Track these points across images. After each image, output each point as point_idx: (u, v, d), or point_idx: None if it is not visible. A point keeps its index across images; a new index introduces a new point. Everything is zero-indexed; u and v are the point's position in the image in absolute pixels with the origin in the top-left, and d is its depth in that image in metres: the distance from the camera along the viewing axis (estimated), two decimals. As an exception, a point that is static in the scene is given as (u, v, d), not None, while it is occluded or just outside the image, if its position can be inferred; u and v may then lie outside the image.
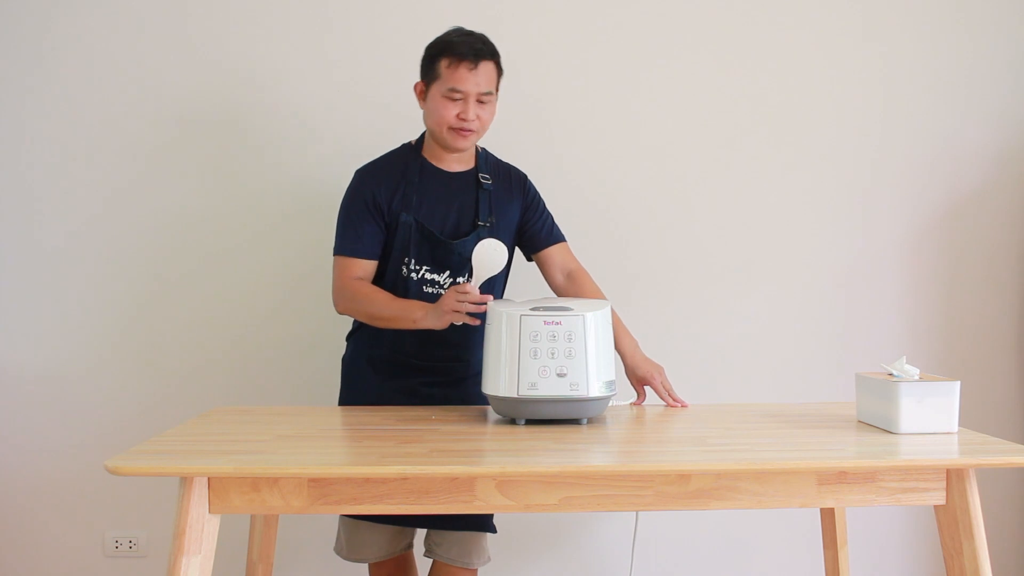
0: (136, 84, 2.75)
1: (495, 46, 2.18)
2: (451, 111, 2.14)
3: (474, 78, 2.12)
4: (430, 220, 2.20)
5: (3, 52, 2.72)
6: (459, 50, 2.12)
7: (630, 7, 2.82)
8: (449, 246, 2.19)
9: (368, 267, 2.21)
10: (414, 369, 2.23)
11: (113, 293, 2.77)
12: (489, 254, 2.05)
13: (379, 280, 2.22)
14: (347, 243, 2.21)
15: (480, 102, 2.14)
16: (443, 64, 2.13)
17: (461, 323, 2.04)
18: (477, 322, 2.03)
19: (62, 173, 2.75)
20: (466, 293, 2.00)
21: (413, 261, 2.19)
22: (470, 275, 2.11)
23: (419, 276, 2.20)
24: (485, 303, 2.00)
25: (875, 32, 2.87)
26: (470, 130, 2.15)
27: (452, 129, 2.15)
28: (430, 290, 2.20)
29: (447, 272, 2.21)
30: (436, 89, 2.15)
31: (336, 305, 2.21)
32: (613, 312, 2.22)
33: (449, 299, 2.02)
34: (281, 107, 2.77)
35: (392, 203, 2.19)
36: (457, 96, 2.13)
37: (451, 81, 2.12)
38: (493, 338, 1.98)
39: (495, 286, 2.26)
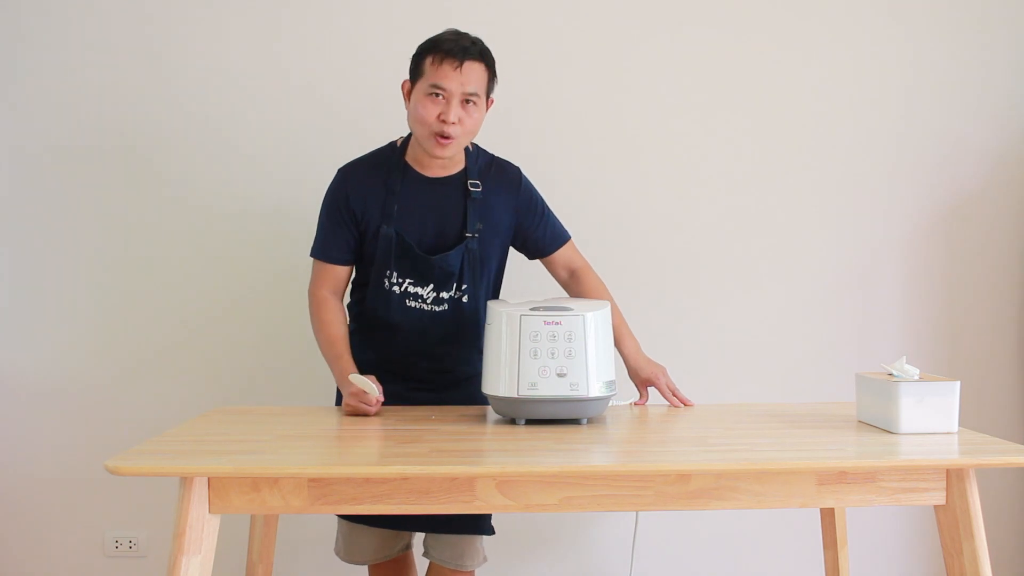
0: (134, 84, 2.75)
1: (489, 50, 2.09)
2: (432, 111, 2.03)
3: (458, 77, 2.02)
4: (411, 233, 2.13)
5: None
6: (445, 47, 2.03)
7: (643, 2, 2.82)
8: (430, 261, 2.12)
9: (340, 272, 2.19)
10: (400, 376, 2.20)
11: (113, 293, 2.77)
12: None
13: (364, 288, 2.19)
14: (319, 247, 2.20)
15: (466, 103, 2.05)
16: (428, 61, 2.04)
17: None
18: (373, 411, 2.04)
19: (60, 174, 2.75)
20: (365, 402, 2.02)
21: (395, 275, 2.14)
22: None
23: (402, 289, 2.15)
24: (379, 401, 2.03)
25: (874, 33, 2.86)
26: (450, 136, 2.04)
27: (433, 134, 2.05)
28: (413, 304, 2.15)
29: (431, 285, 2.15)
30: (420, 87, 2.06)
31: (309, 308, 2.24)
32: (616, 313, 2.23)
33: (350, 402, 2.04)
34: (280, 104, 2.77)
35: (370, 212, 2.13)
36: (439, 94, 2.03)
37: (434, 78, 2.03)
38: (493, 338, 1.98)
39: (488, 287, 2.24)
